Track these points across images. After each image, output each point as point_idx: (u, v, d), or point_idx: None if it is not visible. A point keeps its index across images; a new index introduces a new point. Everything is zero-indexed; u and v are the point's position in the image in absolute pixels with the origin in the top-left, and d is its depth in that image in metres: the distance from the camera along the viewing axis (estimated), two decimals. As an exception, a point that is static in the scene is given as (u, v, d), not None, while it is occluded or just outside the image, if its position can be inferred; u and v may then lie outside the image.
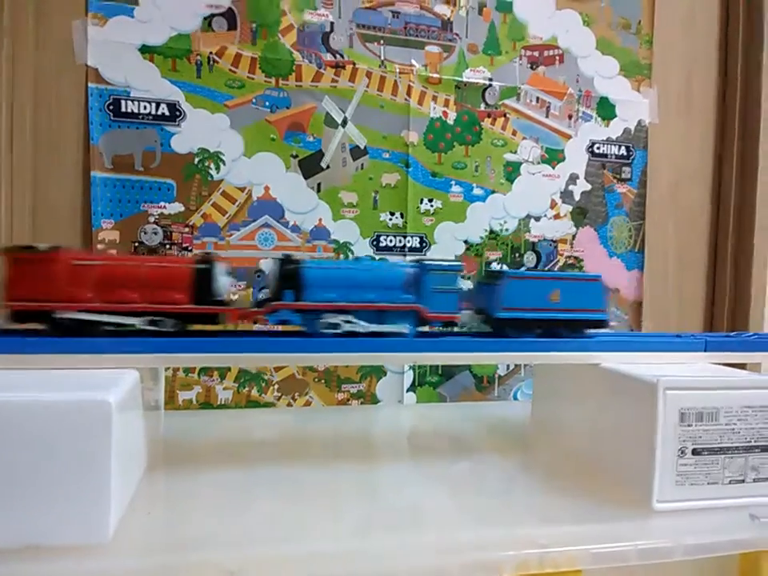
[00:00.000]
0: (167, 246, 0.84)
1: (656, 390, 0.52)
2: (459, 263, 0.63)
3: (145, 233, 0.83)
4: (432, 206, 0.94)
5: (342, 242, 0.90)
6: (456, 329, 0.66)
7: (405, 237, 0.92)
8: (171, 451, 0.61)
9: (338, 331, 0.59)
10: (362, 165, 0.91)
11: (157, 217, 0.84)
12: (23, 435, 0.40)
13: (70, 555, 0.40)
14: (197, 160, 0.84)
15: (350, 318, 0.59)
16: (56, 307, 0.52)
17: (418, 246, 0.93)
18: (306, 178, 0.89)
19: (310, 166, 0.89)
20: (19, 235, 0.79)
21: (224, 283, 0.58)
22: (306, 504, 0.52)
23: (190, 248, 0.85)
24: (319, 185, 0.89)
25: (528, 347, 0.62)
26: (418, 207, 0.93)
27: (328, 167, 0.90)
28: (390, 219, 0.92)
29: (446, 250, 0.94)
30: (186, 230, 0.85)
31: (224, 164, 0.86)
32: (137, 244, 0.83)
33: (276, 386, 0.89)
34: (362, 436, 0.76)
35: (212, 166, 0.85)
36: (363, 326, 0.59)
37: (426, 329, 0.63)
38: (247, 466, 0.61)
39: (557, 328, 0.64)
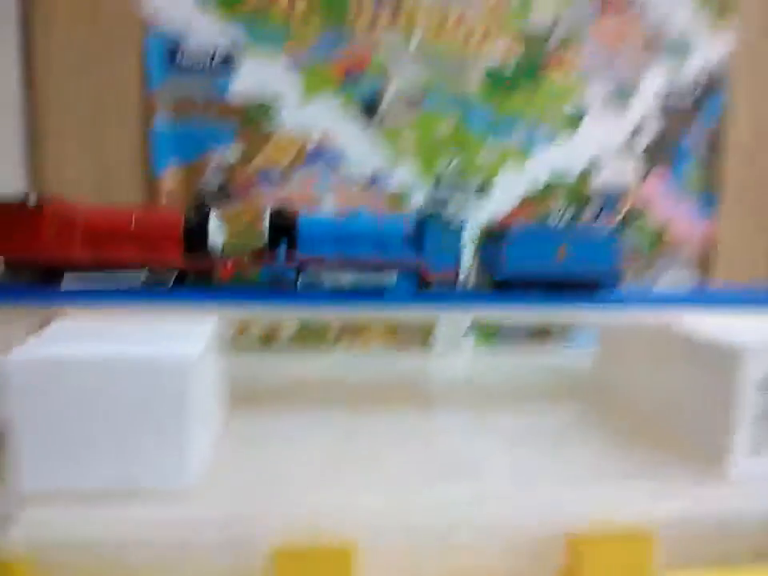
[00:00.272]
0: (227, 194, 0.84)
1: (738, 355, 0.49)
2: (463, 219, 0.60)
3: (205, 180, 0.83)
4: (491, 153, 0.90)
5: (399, 188, 0.88)
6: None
7: (465, 183, 0.90)
8: (245, 394, 0.62)
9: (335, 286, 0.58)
10: (421, 110, 0.88)
11: (217, 164, 0.83)
12: (108, 388, 0.42)
13: (154, 499, 0.42)
14: (255, 106, 0.83)
15: (345, 272, 0.58)
16: (47, 264, 0.51)
17: (477, 193, 0.90)
18: (364, 123, 0.86)
19: (369, 110, 0.87)
20: (85, 187, 0.80)
21: (218, 234, 0.56)
22: (370, 449, 0.53)
23: (248, 195, 0.84)
24: (377, 130, 0.87)
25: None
26: (476, 154, 0.90)
27: (386, 112, 0.87)
28: (449, 166, 0.89)
29: (505, 199, 0.91)
30: (245, 176, 0.84)
31: (282, 110, 0.84)
32: (199, 191, 0.83)
33: (336, 329, 0.89)
34: (418, 382, 0.76)
35: (270, 112, 0.83)
36: (359, 279, 0.58)
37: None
38: (312, 411, 0.62)
39: (563, 288, 0.60)
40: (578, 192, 0.93)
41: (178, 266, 0.53)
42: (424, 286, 0.59)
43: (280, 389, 0.69)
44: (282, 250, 0.56)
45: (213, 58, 0.82)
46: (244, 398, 0.58)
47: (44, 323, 0.49)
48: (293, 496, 0.44)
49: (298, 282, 0.56)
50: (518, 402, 0.68)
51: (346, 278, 0.57)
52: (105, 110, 0.81)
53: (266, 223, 0.56)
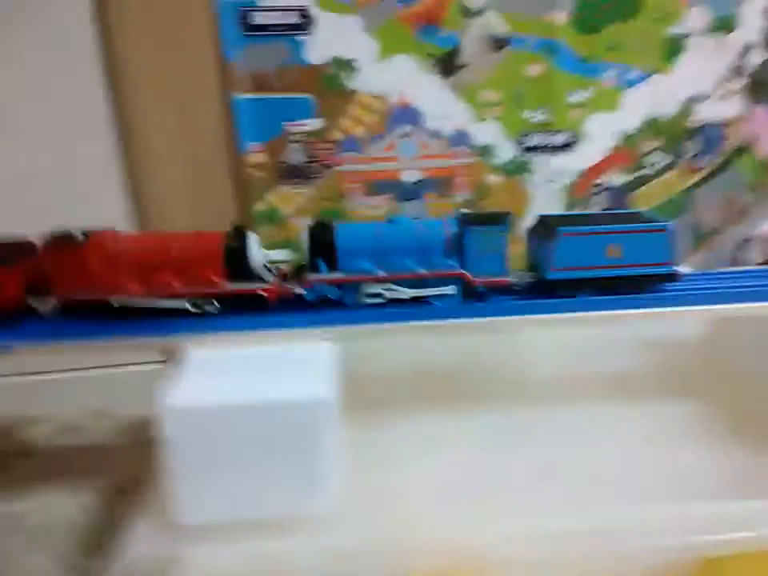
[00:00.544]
0: (310, 166, 0.83)
1: None
2: (505, 218, 0.55)
3: (289, 153, 0.83)
4: (582, 95, 0.85)
5: (484, 145, 0.85)
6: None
7: (552, 134, 0.86)
8: (359, 394, 0.61)
9: (380, 301, 0.55)
10: (504, 57, 0.83)
11: (298, 135, 0.82)
12: (254, 429, 0.45)
13: (294, 528, 0.45)
14: (331, 70, 0.80)
15: (389, 285, 0.55)
16: (105, 296, 0.52)
17: (567, 142, 0.87)
18: (443, 78, 0.83)
19: (448, 64, 0.83)
20: (172, 167, 0.81)
21: (258, 256, 0.55)
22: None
23: (331, 165, 0.84)
24: (458, 84, 0.83)
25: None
26: (566, 99, 0.85)
27: (467, 63, 0.83)
28: (536, 115, 0.85)
29: (598, 145, 0.87)
30: (327, 146, 0.83)
31: (359, 71, 0.81)
32: (283, 165, 0.83)
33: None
34: (501, 368, 0.72)
35: (347, 74, 0.81)
36: (404, 293, 0.55)
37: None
38: (433, 408, 0.61)
39: (616, 286, 0.57)
40: (678, 130, 0.87)
41: (221, 291, 0.53)
42: (470, 295, 0.56)
43: (390, 379, 0.69)
44: (323, 267, 0.54)
45: (286, 24, 0.79)
46: (357, 401, 0.57)
47: (172, 355, 0.52)
48: (437, 518, 0.46)
49: (345, 300, 0.55)
50: (617, 391, 0.65)
51: (389, 292, 0.55)
52: (185, 85, 0.80)
53: (305, 239, 0.55)
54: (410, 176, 0.85)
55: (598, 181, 0.88)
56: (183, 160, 0.81)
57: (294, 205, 0.84)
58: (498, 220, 0.55)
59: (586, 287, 0.57)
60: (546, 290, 0.57)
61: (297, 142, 0.82)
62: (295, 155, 0.83)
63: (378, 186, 0.85)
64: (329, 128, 0.82)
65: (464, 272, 0.55)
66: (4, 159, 0.76)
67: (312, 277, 0.54)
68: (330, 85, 0.81)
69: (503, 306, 0.56)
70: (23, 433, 0.76)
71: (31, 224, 0.71)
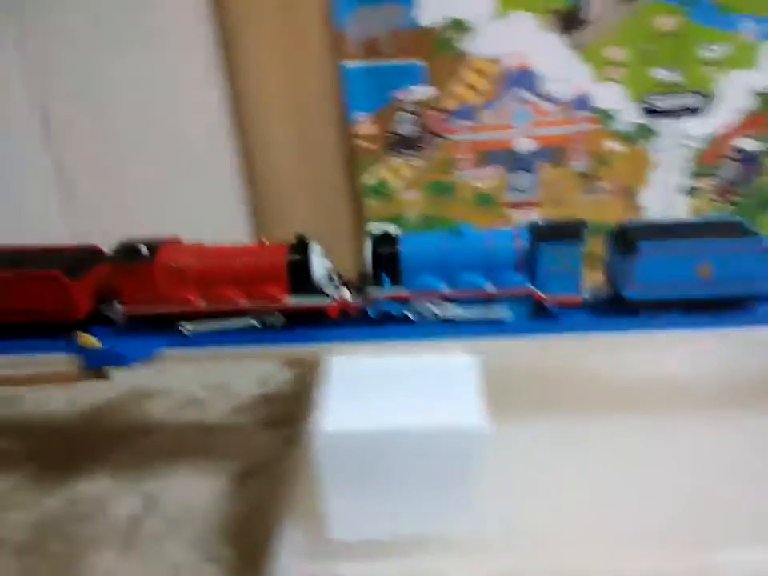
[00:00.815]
0: (421, 136, 0.79)
1: None
2: (581, 231, 0.51)
3: (399, 122, 0.79)
4: (717, 51, 0.77)
5: (605, 108, 0.79)
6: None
7: (681, 95, 0.79)
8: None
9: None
10: (634, 9, 0.75)
11: (409, 103, 0.78)
12: (408, 453, 0.44)
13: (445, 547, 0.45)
14: (444, 32, 0.75)
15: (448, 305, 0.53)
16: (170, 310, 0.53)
17: (697, 105, 0.79)
18: (563, 37, 0.76)
19: (570, 19, 0.76)
20: (281, 137, 0.79)
21: (321, 269, 0.54)
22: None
23: (442, 135, 0.80)
24: (580, 42, 0.77)
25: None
26: (699, 55, 0.77)
27: (590, 19, 0.76)
28: (665, 75, 0.78)
29: (732, 107, 0.79)
30: (438, 114, 0.79)
31: (473, 32, 0.75)
32: (393, 135, 0.79)
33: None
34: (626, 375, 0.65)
35: (460, 36, 0.75)
36: (463, 314, 0.53)
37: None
38: (566, 415, 0.58)
39: (706, 307, 0.52)
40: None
41: (284, 306, 0.53)
42: (541, 313, 0.53)
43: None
44: (386, 282, 0.53)
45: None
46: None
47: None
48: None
49: (410, 316, 0.53)
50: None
51: (454, 310, 0.53)
52: (295, 52, 0.77)
53: (368, 253, 0.53)
54: (523, 145, 0.80)
55: (731, 147, 0.81)
56: (293, 133, 0.79)
57: (403, 178, 0.81)
58: (574, 234, 0.51)
59: (668, 308, 0.52)
60: (622, 309, 0.53)
61: (406, 110, 0.78)
62: (405, 125, 0.79)
63: (490, 156, 0.81)
64: (440, 95, 0.78)
65: (534, 290, 0.52)
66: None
67: (375, 292, 0.53)
68: (442, 48, 0.76)
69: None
70: (142, 408, 0.78)
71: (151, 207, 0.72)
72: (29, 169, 0.80)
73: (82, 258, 0.56)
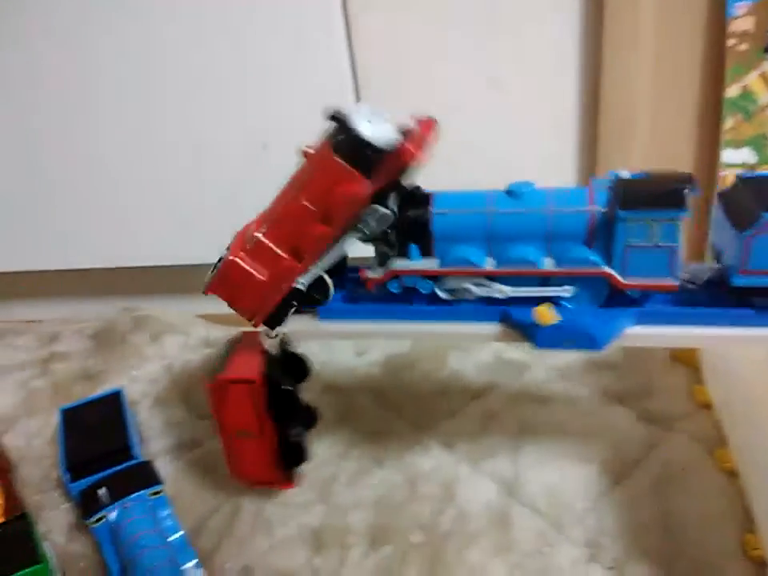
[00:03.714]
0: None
1: None
2: (682, 194, 0.37)
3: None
4: None
5: None
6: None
7: None
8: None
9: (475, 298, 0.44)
10: None
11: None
12: None
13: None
14: None
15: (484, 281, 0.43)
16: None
17: None
18: None
19: None
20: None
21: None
22: None
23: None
24: None
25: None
26: None
27: None
28: None
29: None
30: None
31: None
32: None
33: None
34: None
35: None
36: (506, 291, 0.43)
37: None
38: None
39: None
40: None
41: None
42: (617, 298, 0.42)
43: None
44: (415, 253, 0.44)
45: None
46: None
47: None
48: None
49: (438, 294, 0.45)
50: None
51: (502, 290, 0.44)
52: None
53: (393, 214, 0.43)
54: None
55: None
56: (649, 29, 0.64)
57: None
58: (672, 199, 0.37)
59: None
60: (730, 298, 0.40)
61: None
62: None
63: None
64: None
65: (610, 271, 0.40)
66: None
67: (398, 266, 0.44)
68: None
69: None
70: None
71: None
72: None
73: None
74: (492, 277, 0.43)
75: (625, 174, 0.41)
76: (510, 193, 0.42)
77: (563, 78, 0.69)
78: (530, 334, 0.42)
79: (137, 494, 0.54)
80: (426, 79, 0.71)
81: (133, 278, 0.91)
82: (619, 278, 0.40)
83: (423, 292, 0.44)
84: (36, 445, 0.65)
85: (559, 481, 0.54)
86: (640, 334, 0.42)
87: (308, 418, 0.52)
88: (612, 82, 0.65)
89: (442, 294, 0.45)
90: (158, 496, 0.54)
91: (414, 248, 0.43)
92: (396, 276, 0.44)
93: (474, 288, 0.43)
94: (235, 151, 0.77)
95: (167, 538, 0.50)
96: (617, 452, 0.57)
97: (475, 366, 0.71)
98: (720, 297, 0.41)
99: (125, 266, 0.87)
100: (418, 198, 0.44)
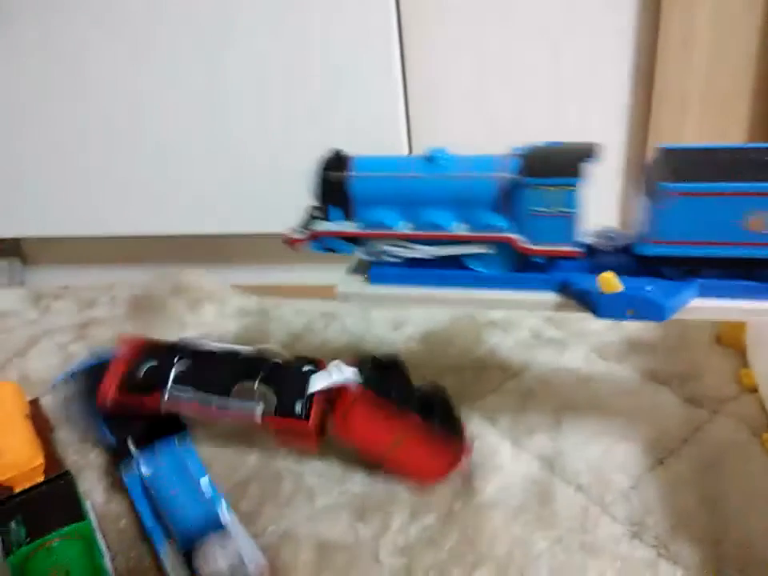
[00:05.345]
0: None
1: None
2: (580, 164, 0.38)
3: None
4: None
5: None
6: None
7: None
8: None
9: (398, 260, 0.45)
10: None
11: None
12: None
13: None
14: None
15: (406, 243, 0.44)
16: None
17: None
18: None
19: None
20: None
21: None
22: None
23: None
24: None
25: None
26: None
27: None
28: None
29: None
30: None
31: None
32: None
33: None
34: None
35: None
36: (425, 251, 0.44)
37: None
38: None
39: (754, 269, 0.39)
40: None
41: None
42: (522, 264, 0.43)
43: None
44: (336, 215, 0.45)
45: None
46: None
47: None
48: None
49: (360, 256, 0.46)
50: None
51: (417, 251, 0.44)
52: None
53: (316, 177, 0.44)
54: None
55: None
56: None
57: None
58: (568, 167, 0.39)
59: (702, 269, 0.40)
60: (639, 267, 0.41)
61: None
62: None
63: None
64: None
65: (513, 236, 0.41)
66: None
67: (319, 228, 0.45)
68: None
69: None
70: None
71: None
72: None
73: None
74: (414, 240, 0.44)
75: (541, 143, 0.42)
76: (427, 158, 0.43)
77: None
78: (592, 302, 0.41)
79: (164, 440, 0.55)
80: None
81: (168, 246, 0.92)
82: (521, 243, 0.41)
83: (345, 254, 0.46)
84: (75, 406, 0.66)
85: (602, 458, 0.54)
86: (703, 307, 0.41)
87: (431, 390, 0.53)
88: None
89: (363, 257, 0.46)
90: (184, 441, 0.55)
91: (334, 210, 0.45)
92: (317, 237, 0.45)
93: (391, 249, 0.44)
94: (274, 126, 0.78)
95: (197, 481, 0.51)
96: (661, 432, 0.56)
97: (514, 343, 0.71)
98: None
99: (160, 234, 0.88)
100: (339, 161, 0.44)
